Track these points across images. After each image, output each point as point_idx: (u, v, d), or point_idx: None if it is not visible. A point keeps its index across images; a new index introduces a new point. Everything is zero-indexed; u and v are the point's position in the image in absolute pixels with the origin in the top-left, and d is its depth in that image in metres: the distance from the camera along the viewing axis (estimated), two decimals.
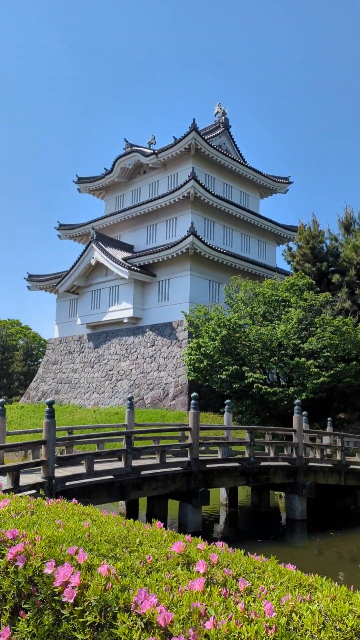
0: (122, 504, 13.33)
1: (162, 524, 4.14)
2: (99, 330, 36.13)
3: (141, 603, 2.31)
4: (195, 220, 32.24)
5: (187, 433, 12.14)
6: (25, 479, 9.59)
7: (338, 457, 14.79)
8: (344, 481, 14.72)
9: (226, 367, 21.97)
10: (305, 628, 2.07)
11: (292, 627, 2.10)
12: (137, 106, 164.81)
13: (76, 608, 2.57)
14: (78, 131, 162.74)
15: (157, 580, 2.63)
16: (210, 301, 31.17)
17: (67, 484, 9.67)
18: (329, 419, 18.91)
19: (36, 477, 10.09)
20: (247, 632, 1.99)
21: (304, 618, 2.11)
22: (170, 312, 31.35)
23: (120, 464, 11.67)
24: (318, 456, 14.52)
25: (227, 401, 15.36)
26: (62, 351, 38.81)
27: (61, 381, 37.42)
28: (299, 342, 21.86)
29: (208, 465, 11.85)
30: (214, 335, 22.55)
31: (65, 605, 2.65)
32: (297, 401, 14.27)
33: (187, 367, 24.39)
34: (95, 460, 10.59)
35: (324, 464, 14.22)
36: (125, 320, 33.30)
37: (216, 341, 22.27)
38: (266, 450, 15.48)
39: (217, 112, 39.68)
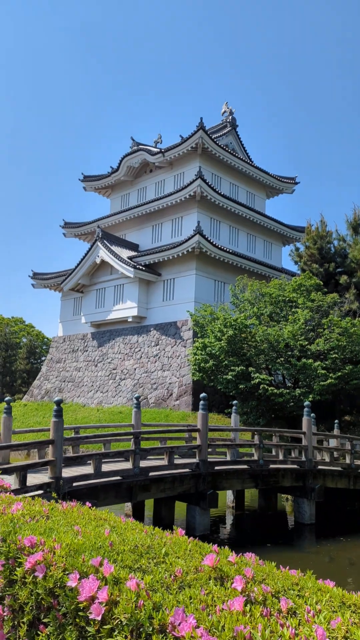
0: (127, 505, 13.15)
1: (183, 531, 3.95)
2: (103, 329, 35.97)
3: (179, 624, 2.12)
4: (201, 220, 32.03)
5: (195, 434, 11.94)
6: (31, 479, 9.42)
7: (347, 461, 14.58)
8: (353, 485, 14.51)
9: (232, 368, 21.77)
10: None
11: None
12: (144, 105, 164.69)
13: (104, 626, 2.38)
14: (84, 129, 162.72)
15: (190, 597, 2.44)
16: (216, 301, 30.97)
17: (74, 484, 9.49)
18: (336, 421, 18.70)
19: (43, 477, 9.91)
20: None
21: None
22: (175, 311, 31.16)
23: (127, 465, 11.49)
24: (327, 459, 14.31)
25: (234, 402, 15.16)
26: (66, 349, 38.67)
27: (65, 379, 37.27)
28: (306, 343, 21.65)
29: (217, 467, 11.65)
30: (220, 335, 22.35)
31: (92, 623, 2.46)
32: (306, 403, 14.07)
33: (192, 367, 24.20)
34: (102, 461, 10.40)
35: (333, 467, 14.01)
36: (130, 319, 33.13)
37: (222, 341, 22.08)
38: (273, 453, 15.28)
39: (225, 112, 39.47)
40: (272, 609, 2.35)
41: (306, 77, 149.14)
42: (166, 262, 31.78)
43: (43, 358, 60.34)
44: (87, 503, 5.16)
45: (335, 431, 17.86)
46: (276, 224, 36.58)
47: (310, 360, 20.75)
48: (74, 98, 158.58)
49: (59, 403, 9.50)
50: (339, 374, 20.55)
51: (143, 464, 11.21)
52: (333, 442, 17.75)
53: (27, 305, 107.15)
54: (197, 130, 32.13)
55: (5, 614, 3.34)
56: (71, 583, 2.67)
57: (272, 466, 12.70)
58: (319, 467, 13.68)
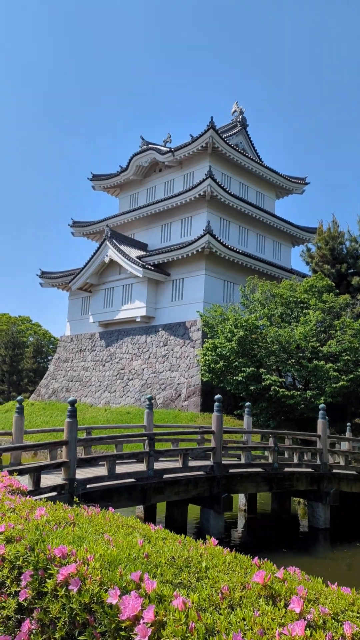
0: (139, 507, 12.98)
1: (216, 541, 3.77)
2: (111, 329, 35.85)
3: None
4: (210, 220, 31.82)
5: (209, 436, 11.75)
6: (44, 480, 9.27)
7: None
8: None
9: (242, 369, 21.55)
10: None
11: None
12: (154, 105, 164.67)
13: None
14: (93, 129, 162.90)
15: (243, 619, 2.25)
16: (225, 301, 30.75)
17: (88, 486, 9.32)
18: (348, 424, 18.46)
19: (55, 479, 9.76)
20: None
21: None
22: (184, 311, 30.97)
23: (140, 467, 11.31)
24: (342, 462, 14.06)
25: (247, 404, 14.97)
26: (74, 349, 38.58)
27: (72, 379, 37.18)
28: (318, 344, 21.41)
29: (231, 470, 11.45)
30: (231, 336, 22.14)
31: None
32: (321, 405, 13.84)
33: (202, 367, 24.00)
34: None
35: (348, 471, 13.77)
36: (138, 319, 32.98)
37: (233, 342, 21.87)
38: (286, 455, 15.06)
39: (235, 111, 39.25)
40: (334, 634, 2.16)
41: (317, 75, 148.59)
42: (175, 262, 31.60)
43: (50, 357, 60.33)
44: (111, 508, 4.99)
45: (348, 434, 17.61)
46: (286, 224, 36.32)
47: (322, 362, 20.50)
48: (83, 97, 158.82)
49: (73, 403, 9.35)
50: (351, 376, 20.29)
51: (156, 466, 11.03)
52: (345, 445, 17.50)
53: (34, 305, 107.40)
54: (208, 130, 31.94)
55: (33, 627, 3.16)
56: (111, 600, 2.49)
57: (286, 469, 12.49)
58: (334, 470, 13.44)
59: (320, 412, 13.71)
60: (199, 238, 28.77)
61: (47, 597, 3.04)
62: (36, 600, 3.15)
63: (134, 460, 12.46)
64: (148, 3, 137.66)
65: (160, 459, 12.62)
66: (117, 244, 33.18)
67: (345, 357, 20.67)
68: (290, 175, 39.27)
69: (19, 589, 3.39)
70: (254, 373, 21.57)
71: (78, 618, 2.73)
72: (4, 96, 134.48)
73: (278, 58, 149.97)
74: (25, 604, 3.27)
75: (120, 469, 10.77)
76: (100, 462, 11.27)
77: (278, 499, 13.93)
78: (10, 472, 7.14)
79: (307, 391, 20.98)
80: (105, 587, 2.67)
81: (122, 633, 2.39)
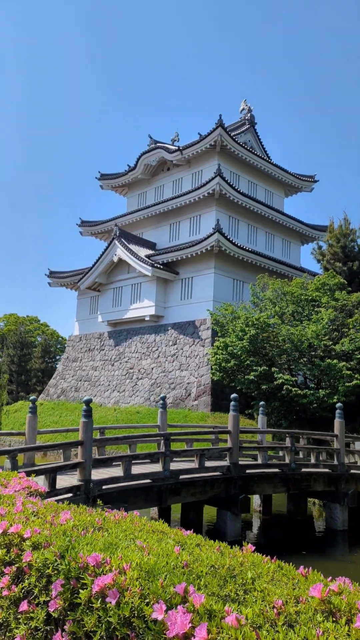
0: (153, 508, 12.79)
1: (253, 547, 3.57)
2: (119, 328, 35.71)
3: None
4: (219, 218, 31.58)
5: (225, 436, 11.54)
6: (59, 481, 9.11)
7: None
8: None
9: (254, 368, 21.31)
10: None
11: None
12: (161, 104, 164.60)
13: None
14: (101, 128, 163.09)
15: (305, 638, 2.05)
16: (234, 300, 30.51)
17: (104, 487, 9.14)
18: None
19: (70, 479, 9.60)
20: None
21: None
22: (193, 310, 30.77)
23: (154, 467, 11.13)
24: (358, 462, 13.80)
25: (261, 403, 14.75)
26: (82, 348, 38.49)
27: (81, 379, 37.09)
28: (331, 343, 21.13)
29: (248, 471, 11.24)
30: (242, 335, 21.91)
31: None
32: (339, 405, 13.59)
33: (213, 366, 23.78)
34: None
35: None
36: (147, 318, 32.81)
37: (244, 340, 21.64)
38: (300, 455, 14.82)
39: (243, 109, 38.98)
40: None
41: (326, 73, 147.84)
42: (184, 261, 31.40)
43: (58, 357, 60.33)
44: (136, 512, 4.80)
45: None
46: (295, 222, 36.01)
47: (335, 361, 20.22)
48: (90, 96, 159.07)
49: (88, 403, 9.18)
50: None
51: (171, 466, 10.82)
52: (359, 445, 17.24)
53: (42, 305, 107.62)
54: (216, 128, 31.70)
55: None
56: (157, 614, 2.30)
57: (304, 470, 12.25)
58: (352, 471, 13.19)
59: (337, 411, 13.46)
60: (209, 236, 28.55)
61: (80, 608, 2.85)
62: (68, 612, 2.96)
63: (148, 461, 12.29)
64: (155, 0, 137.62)
65: (174, 459, 12.43)
66: (125, 243, 33.04)
67: (359, 356, 20.37)
68: (299, 173, 38.94)
69: (49, 598, 3.21)
70: (266, 372, 21.33)
71: (117, 633, 2.54)
72: (12, 97, 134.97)
73: (285, 55, 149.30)
74: (56, 615, 3.09)
75: (134, 469, 10.60)
76: (114, 463, 11.10)
77: (294, 500, 13.69)
78: (28, 474, 6.97)
79: (320, 390, 20.71)
80: (146, 600, 2.48)
81: None
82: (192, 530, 4.31)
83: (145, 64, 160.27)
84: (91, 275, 35.57)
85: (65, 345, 51.98)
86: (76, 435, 25.03)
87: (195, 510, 11.48)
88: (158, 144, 36.68)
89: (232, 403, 11.26)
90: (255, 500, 14.83)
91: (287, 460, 12.10)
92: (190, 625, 2.16)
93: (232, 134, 33.59)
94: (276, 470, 11.86)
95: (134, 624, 2.47)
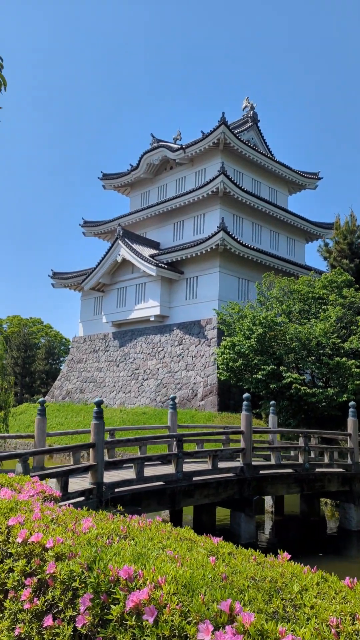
0: (164, 510, 12.59)
1: (289, 555, 3.37)
2: (124, 329, 35.54)
3: None
4: (223, 217, 31.37)
5: (238, 436, 11.33)
6: (70, 484, 8.91)
7: None
8: None
9: (262, 367, 21.10)
10: None
11: None
12: (163, 103, 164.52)
13: None
14: (103, 127, 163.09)
15: None
16: (240, 299, 30.29)
17: (116, 490, 8.95)
18: None
19: (81, 482, 9.42)
20: None
21: None
22: (199, 310, 30.58)
23: (165, 469, 10.95)
24: None
25: (272, 402, 14.55)
26: (87, 350, 38.33)
27: (86, 380, 36.93)
28: (339, 341, 20.89)
29: (261, 472, 11.03)
30: (249, 334, 21.71)
31: None
32: (352, 403, 13.38)
33: (220, 366, 23.58)
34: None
35: None
36: (152, 319, 32.62)
37: (251, 339, 21.43)
38: (312, 455, 14.59)
39: (245, 107, 38.77)
40: None
41: (328, 68, 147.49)
42: (188, 260, 31.21)
43: (62, 359, 60.22)
44: (158, 517, 4.60)
45: None
46: (300, 220, 35.77)
47: (344, 359, 19.99)
48: (92, 95, 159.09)
49: (99, 404, 8.99)
50: None
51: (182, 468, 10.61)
52: None
53: (45, 306, 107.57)
54: (219, 126, 31.50)
55: None
56: (203, 636, 2.10)
57: (317, 470, 12.04)
58: None
59: (350, 410, 13.25)
60: (213, 235, 28.35)
61: (111, 625, 2.65)
62: (98, 629, 2.76)
63: (158, 463, 12.10)
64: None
65: (185, 461, 12.22)
66: (129, 242, 32.86)
67: None
68: (303, 170, 38.72)
69: (75, 613, 3.02)
70: (274, 371, 21.12)
71: None
72: (13, 97, 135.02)
73: (287, 51, 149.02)
74: (84, 632, 2.88)
75: (145, 471, 10.40)
76: (125, 465, 10.90)
77: (307, 500, 13.48)
78: (41, 477, 6.78)
79: (328, 389, 20.48)
80: (188, 619, 2.28)
81: None
82: (205, 534, 4.14)
83: (146, 62, 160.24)
84: (95, 275, 35.41)
85: (69, 346, 51.80)
86: (83, 437, 24.72)
87: (208, 512, 11.29)
88: (160, 143, 36.49)
89: (245, 403, 11.06)
90: (267, 501, 14.62)
91: (300, 460, 11.89)
92: None
93: (235, 132, 33.37)
94: (290, 470, 11.65)
95: None
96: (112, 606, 2.66)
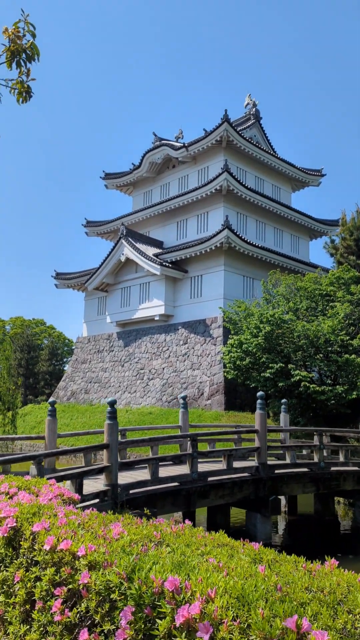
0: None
1: (337, 562, 3.17)
2: (128, 328, 35.35)
3: None
4: (227, 214, 31.16)
5: (253, 435, 11.13)
6: (85, 486, 8.72)
7: None
8: None
9: (270, 365, 20.89)
10: None
11: None
12: (164, 103, 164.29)
13: None
14: (104, 127, 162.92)
15: None
16: (245, 297, 30.09)
17: (131, 491, 8.76)
18: None
19: (94, 484, 9.23)
20: None
21: None
22: (204, 308, 30.38)
23: (178, 469, 10.76)
24: None
25: (283, 401, 14.35)
26: (91, 350, 38.16)
27: (90, 380, 36.75)
28: (347, 338, 20.68)
29: (277, 471, 10.83)
30: (256, 332, 21.50)
31: None
32: None
33: (228, 364, 23.38)
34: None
35: None
36: (157, 318, 32.43)
37: (259, 337, 21.22)
38: (325, 454, 14.37)
39: (248, 104, 38.54)
40: None
41: (330, 64, 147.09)
42: (193, 259, 31.01)
43: (65, 359, 60.08)
44: (186, 522, 4.40)
45: None
46: (304, 217, 35.54)
47: (353, 356, 19.78)
48: (94, 95, 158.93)
49: (112, 404, 8.79)
50: None
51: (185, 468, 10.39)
52: None
53: (47, 307, 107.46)
54: (222, 123, 31.29)
55: None
56: None
57: (333, 469, 11.83)
58: None
59: None
60: (218, 233, 28.15)
61: None
62: None
63: (170, 463, 11.91)
64: None
65: (198, 460, 12.02)
66: (133, 242, 32.67)
67: None
68: (306, 167, 38.49)
69: (114, 627, 2.81)
70: (282, 369, 20.92)
71: None
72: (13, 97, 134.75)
73: (289, 47, 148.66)
74: None
75: (159, 472, 10.20)
76: (139, 465, 10.71)
77: (321, 499, 13.27)
78: (58, 479, 6.59)
79: (337, 386, 20.28)
80: (250, 637, 2.08)
81: None
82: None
83: (146, 62, 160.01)
84: (98, 275, 35.22)
85: (73, 347, 51.60)
86: (88, 438, 24.43)
87: (223, 512, 11.09)
88: (163, 142, 36.29)
89: (259, 401, 10.86)
90: (281, 500, 14.41)
91: (315, 459, 11.68)
92: None
93: (237, 129, 33.15)
94: (305, 469, 11.45)
95: None
96: (157, 621, 2.46)
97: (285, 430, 12.55)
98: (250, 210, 33.46)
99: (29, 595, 3.69)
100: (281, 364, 20.76)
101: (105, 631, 2.82)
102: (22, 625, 3.68)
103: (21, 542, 3.90)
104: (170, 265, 31.05)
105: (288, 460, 11.50)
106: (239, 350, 22.20)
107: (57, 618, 3.18)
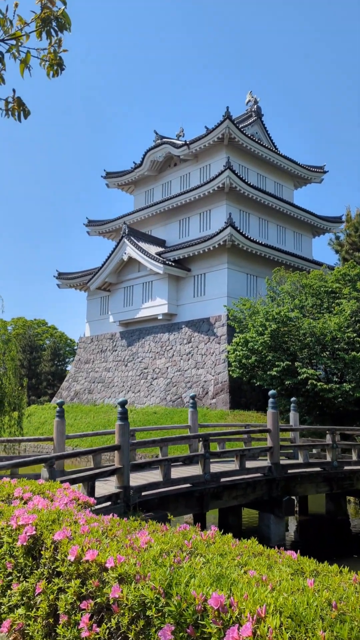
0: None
1: None
2: (132, 328, 35.16)
3: None
4: (230, 212, 30.93)
5: (260, 435, 10.93)
6: (96, 489, 8.53)
7: None
8: None
9: (277, 363, 20.69)
10: None
11: None
12: (165, 100, 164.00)
13: None
14: (105, 126, 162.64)
15: None
16: (248, 295, 29.88)
17: (143, 494, 8.56)
18: None
19: (104, 486, 9.04)
20: None
21: None
22: (207, 307, 30.18)
23: (189, 470, 10.57)
24: None
25: (292, 399, 14.15)
26: (94, 350, 37.97)
27: (94, 380, 36.57)
28: (354, 335, 20.47)
29: (290, 471, 10.64)
30: (262, 330, 21.30)
31: None
32: None
33: (233, 363, 23.18)
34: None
35: None
36: (160, 317, 32.23)
37: (265, 335, 21.02)
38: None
39: (249, 101, 38.30)
40: None
41: (332, 60, 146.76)
42: (196, 257, 30.80)
43: (67, 360, 59.90)
44: (212, 528, 4.21)
45: None
46: (307, 214, 35.31)
47: None
48: (95, 94, 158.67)
49: (123, 404, 8.59)
50: None
51: (196, 468, 10.19)
52: None
53: (49, 307, 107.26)
54: (224, 120, 31.07)
55: None
56: None
57: (346, 468, 11.64)
58: None
59: None
60: (221, 231, 27.94)
61: None
62: None
63: (180, 463, 11.72)
64: None
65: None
66: (135, 241, 32.47)
67: None
68: (308, 164, 38.26)
69: None
70: (289, 367, 20.72)
71: None
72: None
73: (290, 44, 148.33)
74: None
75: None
76: (151, 467, 10.51)
77: (333, 499, 13.08)
78: (71, 482, 6.39)
79: (344, 384, 20.08)
80: None
81: None
82: (233, 536, 3.79)
83: (146, 60, 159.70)
84: (101, 275, 35.02)
85: (76, 347, 51.39)
86: (94, 439, 24.18)
87: (235, 514, 10.91)
88: (164, 139, 36.07)
89: (271, 400, 10.66)
90: (294, 501, 14.22)
91: (328, 458, 11.49)
92: None
93: (239, 127, 32.93)
94: (318, 469, 11.26)
95: None
96: None
97: (296, 429, 12.35)
98: (252, 208, 33.25)
99: (52, 608, 3.50)
100: (288, 362, 20.57)
101: None
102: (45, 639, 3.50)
103: (42, 552, 3.71)
104: (173, 264, 30.84)
105: (301, 460, 11.30)
106: (244, 349, 22.00)
107: (84, 634, 2.98)
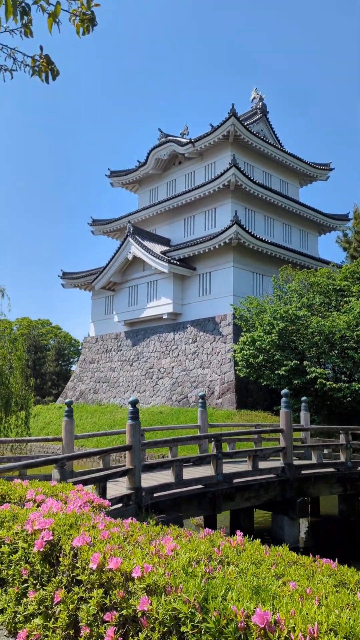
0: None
1: None
2: (137, 327, 34.98)
3: None
4: (236, 210, 30.70)
5: (276, 435, 10.72)
6: (108, 490, 8.34)
7: None
8: None
9: (285, 362, 20.45)
10: None
11: None
12: (169, 98, 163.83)
13: None
14: (109, 124, 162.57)
15: None
16: (255, 294, 29.64)
17: (155, 495, 8.36)
18: None
19: (116, 487, 8.84)
20: None
21: None
22: (213, 306, 29.96)
23: (201, 470, 10.37)
24: None
25: (303, 398, 13.96)
26: (99, 350, 37.81)
27: (99, 380, 36.41)
28: None
29: (303, 472, 10.42)
30: (270, 329, 21.07)
31: None
32: None
33: (240, 362, 22.95)
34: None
35: None
36: (165, 316, 32.03)
37: (272, 334, 20.79)
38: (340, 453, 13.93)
39: (254, 98, 38.06)
40: None
41: (338, 57, 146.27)
42: (201, 256, 30.59)
43: (72, 360, 59.80)
44: (237, 533, 4.00)
45: None
46: (313, 212, 35.04)
47: None
48: (97, 93, 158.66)
49: (134, 404, 8.39)
50: None
51: (205, 469, 9.99)
52: None
53: (53, 307, 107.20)
54: (229, 118, 30.84)
55: None
56: None
57: None
58: None
59: None
60: (227, 229, 27.71)
61: None
62: None
63: (190, 464, 11.52)
64: None
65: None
66: (140, 240, 32.28)
67: None
68: (314, 161, 37.98)
69: None
70: (297, 366, 20.48)
71: None
72: (17, 95, 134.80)
73: (293, 42, 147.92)
74: None
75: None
76: (156, 468, 10.32)
77: (346, 500, 12.84)
78: (83, 484, 6.20)
79: (353, 383, 19.83)
80: None
81: None
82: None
83: (150, 59, 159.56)
84: (105, 274, 34.85)
85: (80, 347, 51.27)
86: (99, 439, 23.97)
87: (247, 515, 10.69)
88: (169, 138, 35.86)
89: (283, 399, 10.43)
90: (308, 502, 13.99)
91: (342, 459, 11.27)
92: None
93: (244, 124, 32.69)
94: (332, 469, 11.04)
95: None
96: None
97: (309, 429, 12.14)
98: (258, 206, 33.01)
99: (72, 618, 3.30)
100: (296, 361, 20.33)
101: None
102: None
103: (60, 558, 3.51)
104: (178, 263, 30.64)
105: (314, 460, 11.09)
106: (251, 348, 21.77)
107: None
